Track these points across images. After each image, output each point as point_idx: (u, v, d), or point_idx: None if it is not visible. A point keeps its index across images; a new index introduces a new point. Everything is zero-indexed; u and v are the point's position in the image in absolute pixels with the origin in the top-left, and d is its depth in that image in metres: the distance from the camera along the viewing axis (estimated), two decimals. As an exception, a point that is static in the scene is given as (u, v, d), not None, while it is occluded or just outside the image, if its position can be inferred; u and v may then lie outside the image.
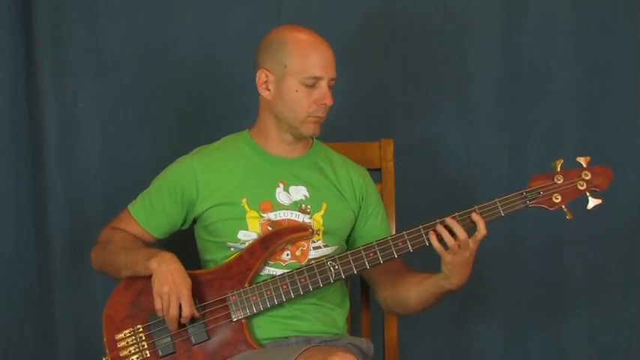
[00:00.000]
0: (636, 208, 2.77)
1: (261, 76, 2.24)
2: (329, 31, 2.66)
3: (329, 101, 2.21)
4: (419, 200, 2.73)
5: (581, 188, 2.19)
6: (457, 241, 2.12)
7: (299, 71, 2.20)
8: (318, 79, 2.20)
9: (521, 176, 2.75)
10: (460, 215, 2.16)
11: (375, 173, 2.45)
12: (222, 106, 2.73)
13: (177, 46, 2.72)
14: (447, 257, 2.13)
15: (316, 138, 2.35)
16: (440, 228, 2.14)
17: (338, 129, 2.51)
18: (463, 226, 2.13)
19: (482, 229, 2.14)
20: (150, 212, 2.29)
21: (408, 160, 2.69)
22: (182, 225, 2.31)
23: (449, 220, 2.14)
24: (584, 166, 2.21)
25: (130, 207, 2.31)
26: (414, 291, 2.24)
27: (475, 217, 2.14)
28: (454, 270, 2.14)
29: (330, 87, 2.22)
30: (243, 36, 2.72)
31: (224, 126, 2.64)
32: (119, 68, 2.71)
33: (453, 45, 2.76)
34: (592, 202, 2.19)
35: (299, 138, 2.28)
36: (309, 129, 2.24)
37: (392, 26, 2.75)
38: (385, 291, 2.32)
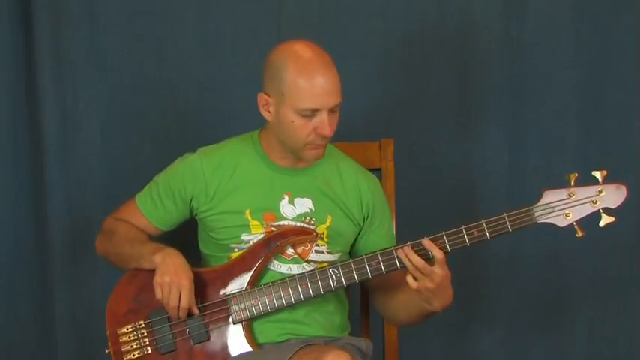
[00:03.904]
0: (636, 210, 2.77)
1: (261, 99, 2.19)
2: (328, 31, 2.69)
3: (328, 132, 2.13)
4: (419, 200, 2.73)
5: (595, 205, 2.12)
6: (418, 269, 2.10)
7: (295, 102, 2.11)
8: (314, 110, 2.12)
9: (521, 176, 2.76)
10: (415, 244, 2.12)
11: (375, 173, 2.44)
12: (222, 106, 2.73)
13: (177, 46, 2.72)
14: (414, 285, 2.10)
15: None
16: (401, 255, 2.11)
17: (338, 129, 2.49)
18: (421, 255, 2.11)
19: (437, 254, 2.09)
20: (158, 207, 2.29)
21: (408, 160, 2.69)
22: (188, 218, 2.32)
23: (401, 252, 2.12)
24: (600, 181, 2.12)
25: (137, 200, 2.32)
26: (403, 307, 2.24)
27: (426, 244, 2.11)
28: (431, 295, 2.11)
29: (333, 112, 2.14)
30: (243, 36, 2.72)
31: (224, 126, 2.66)
32: (119, 68, 2.71)
33: (453, 45, 2.76)
34: (604, 220, 2.12)
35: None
36: (311, 155, 2.19)
37: (392, 26, 2.74)
38: (380, 301, 2.32)
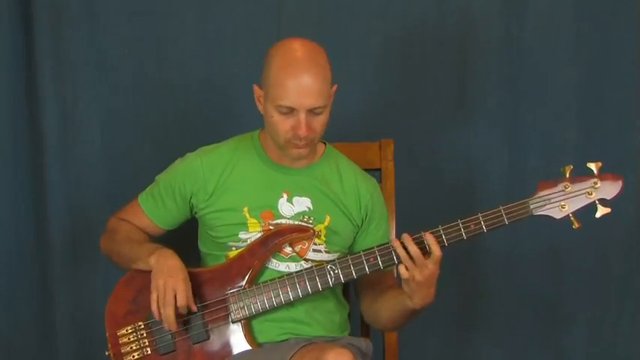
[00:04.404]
0: (635, 210, 2.77)
1: (255, 91, 2.20)
2: (328, 31, 2.69)
3: (302, 132, 2.12)
4: (419, 200, 2.73)
5: (590, 197, 2.12)
6: (411, 258, 2.10)
7: (274, 98, 2.12)
8: (291, 108, 2.12)
9: (521, 176, 2.76)
10: (415, 238, 2.12)
11: (375, 173, 2.45)
12: (222, 106, 2.73)
13: (177, 46, 2.72)
14: (405, 274, 2.10)
15: (329, 143, 2.33)
16: (396, 243, 2.12)
17: (338, 129, 2.50)
18: (420, 248, 2.11)
19: (436, 252, 2.10)
20: (159, 206, 2.30)
21: (408, 160, 2.69)
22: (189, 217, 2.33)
23: (397, 241, 2.12)
24: (595, 172, 2.13)
25: (139, 200, 2.33)
26: (385, 307, 2.24)
27: (428, 238, 2.11)
28: (416, 289, 2.11)
29: (315, 114, 2.13)
30: (244, 36, 2.72)
31: (224, 126, 2.66)
32: (119, 68, 2.71)
33: (453, 45, 2.76)
34: (600, 211, 2.12)
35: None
36: (292, 153, 2.19)
37: (392, 26, 2.74)
38: (365, 304, 2.32)
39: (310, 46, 2.17)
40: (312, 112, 2.13)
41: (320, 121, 2.16)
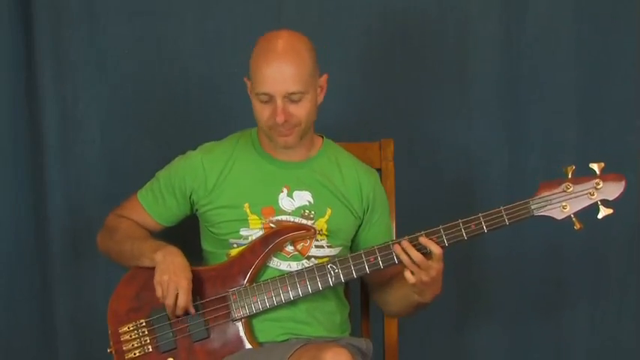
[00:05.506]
0: (635, 210, 2.77)
1: (246, 82, 2.23)
2: (329, 31, 2.69)
3: (279, 118, 2.14)
4: (419, 200, 2.73)
5: (592, 197, 2.11)
6: (415, 264, 2.11)
7: (254, 86, 2.17)
8: (268, 95, 2.15)
9: (521, 176, 2.76)
10: (411, 240, 2.13)
11: (376, 173, 2.45)
12: (222, 106, 2.73)
13: (177, 46, 2.73)
14: (411, 279, 2.12)
15: (326, 137, 2.34)
16: (397, 250, 2.13)
17: (338, 129, 2.51)
18: (418, 250, 2.12)
19: (435, 250, 2.11)
20: (159, 202, 2.31)
21: (408, 160, 2.69)
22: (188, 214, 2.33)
23: (398, 247, 2.13)
24: (598, 173, 2.13)
25: (138, 196, 2.33)
26: (395, 299, 2.27)
27: (423, 241, 2.12)
28: (426, 289, 2.13)
29: (293, 100, 2.14)
30: (243, 36, 2.71)
31: (223, 126, 2.65)
32: (119, 68, 2.71)
33: (453, 45, 2.76)
34: (603, 212, 2.12)
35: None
36: (279, 141, 2.20)
37: (392, 26, 2.74)
38: (374, 294, 2.35)
39: (289, 35, 2.19)
40: (289, 98, 2.14)
41: (300, 109, 2.17)
